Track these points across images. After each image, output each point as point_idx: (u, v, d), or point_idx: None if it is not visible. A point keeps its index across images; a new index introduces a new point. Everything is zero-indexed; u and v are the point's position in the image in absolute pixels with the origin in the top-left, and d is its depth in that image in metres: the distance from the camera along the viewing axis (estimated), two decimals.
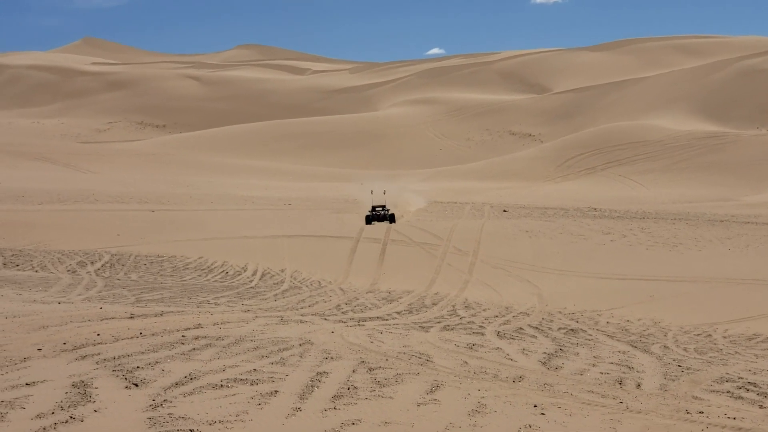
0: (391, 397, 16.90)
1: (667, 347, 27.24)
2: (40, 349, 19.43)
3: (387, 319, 30.64)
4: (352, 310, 33.08)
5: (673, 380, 20.92)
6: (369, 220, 67.15)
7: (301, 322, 27.27)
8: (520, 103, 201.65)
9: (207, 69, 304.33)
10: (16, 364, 18.05)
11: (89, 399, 15.65)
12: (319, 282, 44.29)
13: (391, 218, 68.12)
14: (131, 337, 21.47)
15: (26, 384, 16.41)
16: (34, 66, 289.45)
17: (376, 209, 69.43)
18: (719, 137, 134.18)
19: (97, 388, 16.41)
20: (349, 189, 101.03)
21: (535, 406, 16.74)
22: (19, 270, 42.37)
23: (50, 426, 14.11)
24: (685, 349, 26.96)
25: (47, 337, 20.69)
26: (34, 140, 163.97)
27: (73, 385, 16.47)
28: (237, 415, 15.13)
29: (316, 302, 35.40)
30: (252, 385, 17.26)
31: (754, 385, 20.70)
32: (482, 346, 24.57)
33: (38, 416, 14.57)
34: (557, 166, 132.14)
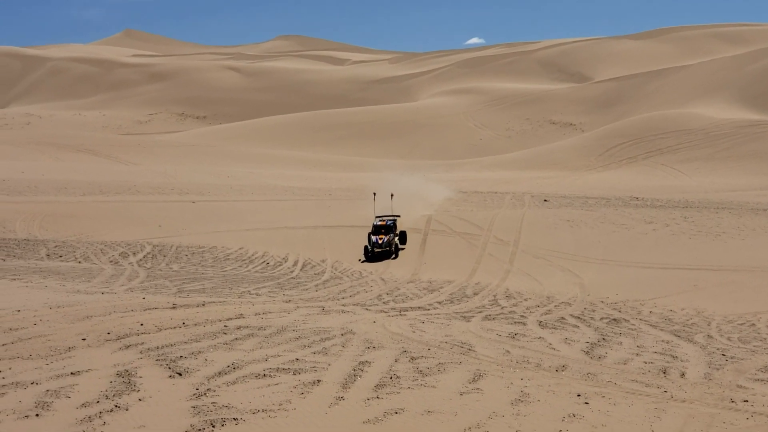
0: (433, 386, 16.89)
1: (711, 336, 27.06)
2: (84, 339, 19.58)
3: (428, 309, 30.64)
4: (393, 300, 33.10)
5: (718, 369, 20.79)
6: (369, 249, 49.43)
7: (342, 312, 27.32)
8: (561, 92, 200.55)
9: (247, 60, 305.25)
10: (60, 353, 18.21)
11: (134, 388, 15.77)
12: (360, 272, 44.34)
13: (399, 240, 52.02)
14: (174, 327, 21.60)
15: (71, 373, 16.56)
16: (75, 58, 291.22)
17: (380, 225, 51.11)
18: (762, 125, 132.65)
19: (141, 377, 16.53)
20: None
21: (578, 396, 16.68)
22: (62, 261, 42.73)
23: (95, 415, 14.22)
24: (728, 339, 26.77)
25: (91, 327, 20.85)
26: (76, 132, 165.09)
27: (118, 375, 16.60)
28: (280, 404, 15.18)
29: (358, 292, 35.44)
30: (294, 374, 17.32)
31: None
32: (524, 335, 24.52)
33: (83, 405, 14.69)
34: (598, 155, 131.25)
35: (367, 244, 50.30)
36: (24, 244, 48.16)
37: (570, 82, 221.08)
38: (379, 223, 51.47)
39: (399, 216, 55.43)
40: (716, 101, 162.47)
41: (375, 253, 49.18)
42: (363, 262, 48.48)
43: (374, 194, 58.40)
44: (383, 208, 57.81)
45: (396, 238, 50.83)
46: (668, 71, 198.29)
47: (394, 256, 49.75)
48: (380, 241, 49.37)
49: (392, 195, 58.48)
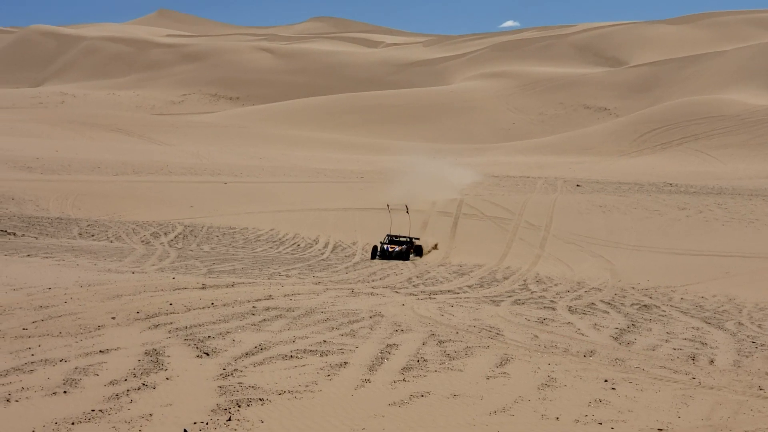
0: (460, 370, 16.88)
1: (742, 324, 26.88)
2: (114, 318, 19.70)
3: (458, 293, 30.61)
4: (423, 284, 33.10)
5: (747, 357, 20.68)
6: (378, 252, 44.52)
7: (371, 294, 27.35)
8: (595, 76, 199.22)
9: (281, 41, 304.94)
10: (90, 331, 18.32)
11: (161, 367, 15.85)
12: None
13: (413, 252, 46.01)
14: (203, 308, 21.69)
15: (100, 351, 16.67)
16: (109, 38, 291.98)
17: (392, 242, 45.77)
18: None
19: (169, 356, 16.61)
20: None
21: (605, 381, 16.62)
22: (94, 240, 42.99)
23: (123, 392, 14.30)
24: (759, 326, 26.59)
25: (121, 306, 20.97)
26: (110, 112, 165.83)
27: (146, 353, 16.69)
28: (306, 386, 15.20)
29: (387, 275, 35.45)
30: (322, 356, 17.34)
31: None
32: (553, 320, 24.47)
33: (111, 383, 14.78)
34: (632, 140, 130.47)
35: (376, 244, 45.91)
36: (57, 223, 48.48)
37: (605, 67, 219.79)
38: (393, 235, 46.89)
39: (418, 239, 48.60)
40: (751, 87, 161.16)
41: (383, 257, 43.95)
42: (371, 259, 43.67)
43: (388, 206, 52.07)
44: (400, 224, 50.51)
45: (411, 250, 45.63)
46: (703, 57, 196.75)
47: (406, 259, 44.06)
48: (391, 250, 44.14)
49: (407, 208, 51.54)
